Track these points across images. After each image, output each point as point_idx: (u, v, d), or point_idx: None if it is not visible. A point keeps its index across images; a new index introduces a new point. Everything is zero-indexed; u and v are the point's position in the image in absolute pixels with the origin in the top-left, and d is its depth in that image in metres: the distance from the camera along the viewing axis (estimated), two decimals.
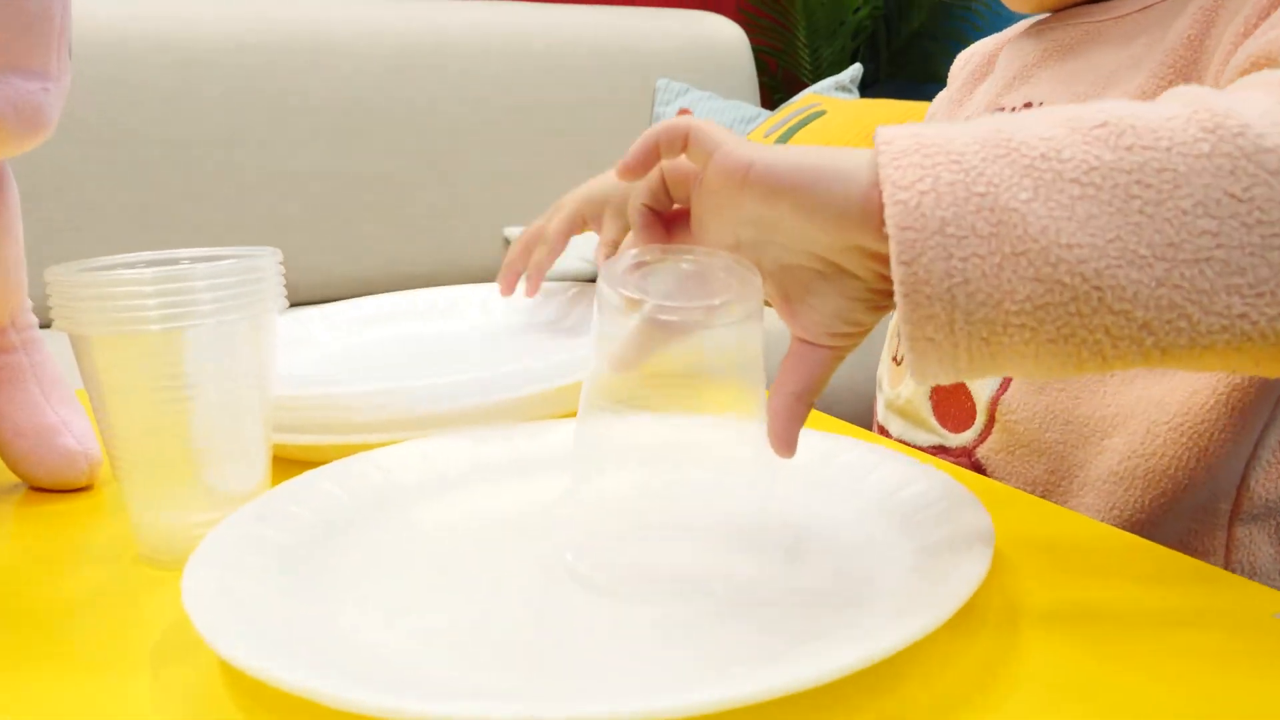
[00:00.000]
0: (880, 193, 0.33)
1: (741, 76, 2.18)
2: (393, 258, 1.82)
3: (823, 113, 1.71)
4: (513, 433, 0.53)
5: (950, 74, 0.78)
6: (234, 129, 1.67)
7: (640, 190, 0.41)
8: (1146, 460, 0.52)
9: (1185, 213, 0.32)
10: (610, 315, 0.39)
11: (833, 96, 1.87)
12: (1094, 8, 0.61)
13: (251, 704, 0.34)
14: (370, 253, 1.80)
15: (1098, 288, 0.32)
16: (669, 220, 0.42)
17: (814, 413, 0.60)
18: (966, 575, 0.34)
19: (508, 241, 1.91)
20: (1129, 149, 0.32)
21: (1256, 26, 0.49)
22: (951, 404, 0.61)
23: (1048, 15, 0.65)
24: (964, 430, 0.60)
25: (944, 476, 0.44)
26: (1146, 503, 0.52)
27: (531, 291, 0.75)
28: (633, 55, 2.07)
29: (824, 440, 0.50)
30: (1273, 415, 0.51)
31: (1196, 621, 0.36)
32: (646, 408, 0.40)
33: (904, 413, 0.64)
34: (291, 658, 0.31)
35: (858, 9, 2.42)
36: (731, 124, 1.99)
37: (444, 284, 1.81)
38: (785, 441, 0.39)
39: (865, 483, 0.47)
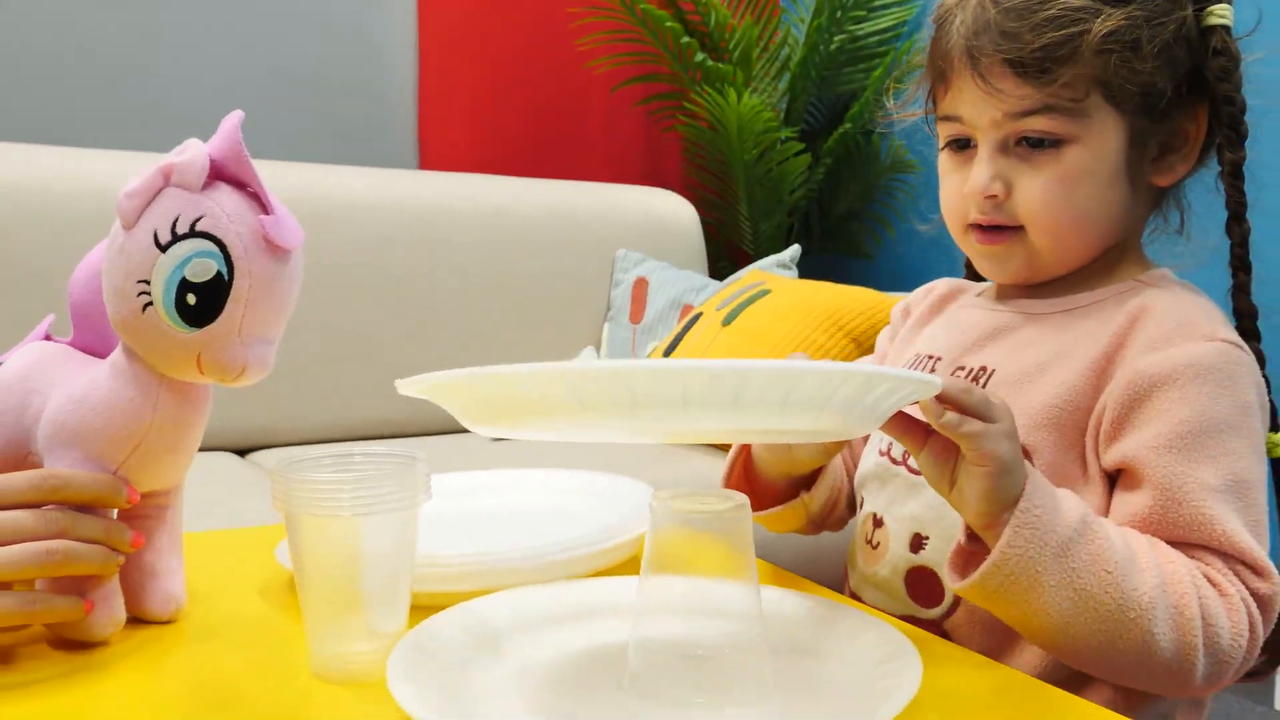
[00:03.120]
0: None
1: (692, 249, 2.42)
2: (366, 410, 1.94)
3: (768, 291, 1.94)
4: (583, 586, 0.70)
5: (909, 301, 0.94)
6: None
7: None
8: None
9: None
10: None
11: (775, 274, 2.10)
12: (1036, 301, 0.78)
13: None
14: (346, 404, 1.92)
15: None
16: None
17: (792, 576, 0.77)
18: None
19: None
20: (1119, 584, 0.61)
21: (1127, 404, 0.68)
22: (926, 587, 0.77)
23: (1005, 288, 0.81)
24: (934, 606, 0.76)
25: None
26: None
27: None
28: (594, 227, 2.29)
29: (807, 602, 0.68)
30: None
31: None
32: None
33: (879, 586, 0.80)
34: None
35: (794, 190, 2.70)
36: (683, 292, 2.21)
37: (415, 434, 1.95)
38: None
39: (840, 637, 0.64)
